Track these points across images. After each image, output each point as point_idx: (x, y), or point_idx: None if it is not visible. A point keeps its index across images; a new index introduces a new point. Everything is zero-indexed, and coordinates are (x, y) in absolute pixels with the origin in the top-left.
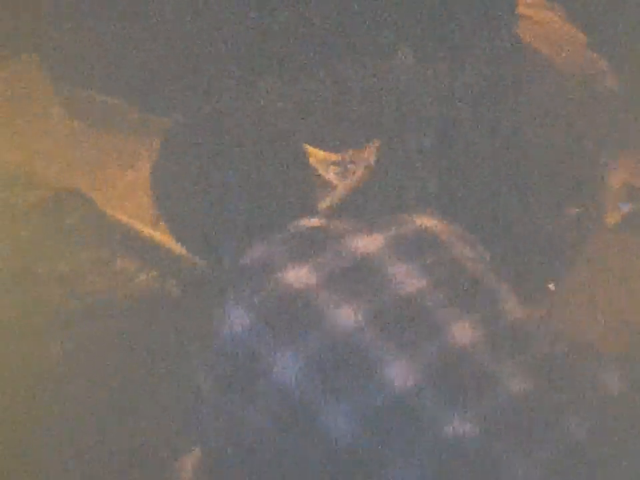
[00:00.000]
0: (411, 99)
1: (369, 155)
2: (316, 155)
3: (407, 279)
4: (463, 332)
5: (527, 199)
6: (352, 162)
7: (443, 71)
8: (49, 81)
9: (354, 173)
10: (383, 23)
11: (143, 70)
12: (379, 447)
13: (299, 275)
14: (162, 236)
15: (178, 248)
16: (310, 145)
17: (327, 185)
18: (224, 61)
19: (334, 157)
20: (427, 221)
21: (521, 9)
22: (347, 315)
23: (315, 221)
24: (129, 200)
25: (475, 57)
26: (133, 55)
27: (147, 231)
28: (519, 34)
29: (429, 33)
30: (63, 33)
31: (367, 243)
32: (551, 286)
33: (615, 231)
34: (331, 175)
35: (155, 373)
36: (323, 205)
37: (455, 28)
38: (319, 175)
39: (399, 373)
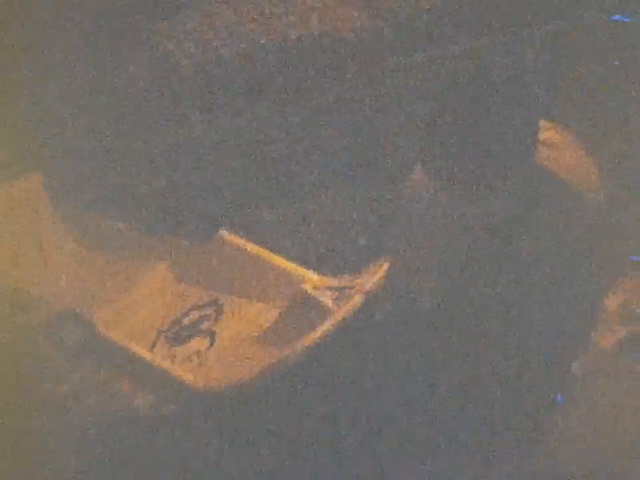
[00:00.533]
0: (422, 224)
1: (368, 280)
2: (311, 279)
3: None
4: None
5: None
6: (349, 287)
7: (458, 197)
8: (49, 201)
9: (351, 298)
10: (398, 143)
11: (143, 192)
12: None
13: None
14: (159, 359)
15: (175, 371)
16: (307, 268)
17: (323, 310)
18: (222, 187)
19: (330, 281)
20: None
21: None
22: None
23: None
24: (128, 322)
25: (493, 183)
26: (133, 178)
27: (145, 353)
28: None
29: (445, 155)
30: (65, 152)
31: None
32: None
33: (610, 354)
34: (327, 299)
35: None
36: (319, 331)
37: (473, 154)
38: (315, 300)
39: None
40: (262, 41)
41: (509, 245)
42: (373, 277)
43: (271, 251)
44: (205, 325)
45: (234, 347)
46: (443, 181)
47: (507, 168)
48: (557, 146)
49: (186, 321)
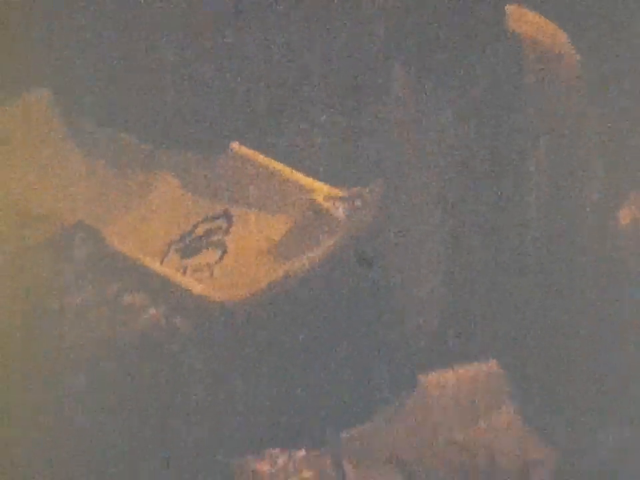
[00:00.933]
0: (413, 130)
1: (376, 192)
2: (322, 190)
3: None
4: None
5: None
6: (359, 198)
7: (440, 95)
8: (60, 117)
9: (362, 209)
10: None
11: (154, 104)
12: None
13: None
14: (170, 271)
15: (186, 282)
16: (318, 180)
17: (334, 221)
18: (234, 101)
19: (340, 192)
20: None
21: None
22: None
23: None
24: (139, 235)
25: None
26: (145, 90)
27: (155, 265)
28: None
29: (422, 47)
30: (75, 68)
31: None
32: None
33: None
34: (338, 211)
35: (163, 406)
36: (330, 242)
37: (447, 39)
38: (326, 211)
39: None
40: None
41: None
42: (382, 190)
43: (282, 163)
44: (215, 237)
45: (244, 258)
46: (424, 77)
47: (483, 44)
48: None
49: (197, 233)
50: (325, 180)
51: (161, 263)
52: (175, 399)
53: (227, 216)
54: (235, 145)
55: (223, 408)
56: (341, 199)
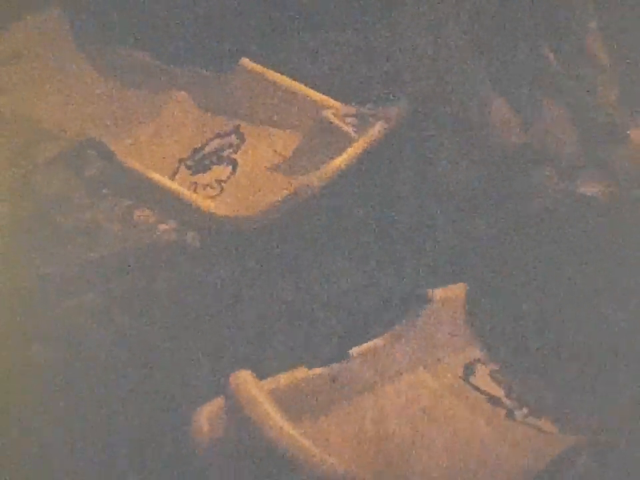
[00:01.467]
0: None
1: (390, 110)
2: (334, 106)
3: None
4: None
5: None
6: (371, 115)
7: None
8: (71, 35)
9: (373, 126)
10: None
11: (166, 23)
12: None
13: None
14: (181, 187)
15: (197, 198)
16: (329, 96)
17: (345, 137)
18: (244, 15)
19: (352, 109)
20: None
21: None
22: None
23: None
24: (150, 152)
25: None
26: (156, 9)
27: (166, 181)
28: None
29: None
30: None
31: None
32: None
33: None
34: (348, 127)
35: (176, 324)
36: (341, 158)
37: None
38: (337, 127)
39: None
40: None
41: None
42: (394, 108)
43: (294, 79)
44: (226, 153)
45: (255, 174)
46: None
47: None
48: None
49: (207, 149)
50: (336, 97)
51: (172, 179)
52: (186, 313)
53: (238, 132)
54: (245, 62)
55: (232, 320)
56: (353, 115)
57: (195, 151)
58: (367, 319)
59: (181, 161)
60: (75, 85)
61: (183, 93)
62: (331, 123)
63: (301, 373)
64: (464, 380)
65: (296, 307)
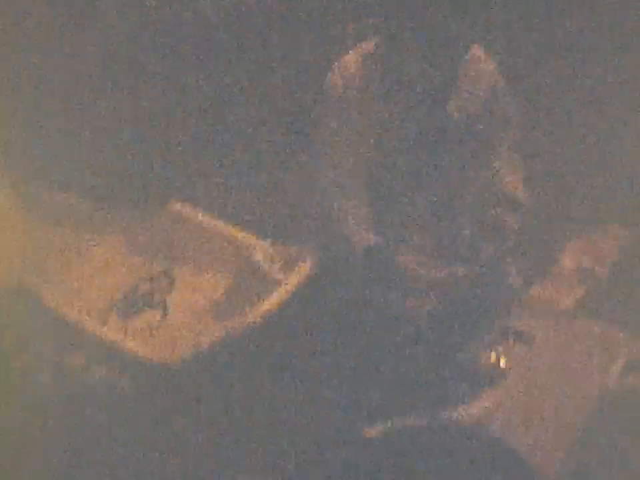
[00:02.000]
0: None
1: (316, 249)
2: (262, 248)
3: None
4: None
5: None
6: (298, 256)
7: None
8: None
9: (299, 267)
10: None
11: (93, 164)
12: None
13: None
14: (112, 332)
15: (128, 343)
16: (259, 237)
17: (272, 280)
18: (174, 157)
19: (280, 250)
20: None
21: None
22: None
23: None
24: (78, 296)
25: None
26: (82, 149)
27: (97, 327)
28: None
29: None
30: (16, 128)
31: None
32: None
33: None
34: (274, 269)
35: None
36: (268, 301)
37: None
38: (263, 270)
39: None
40: None
41: None
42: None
43: (223, 220)
44: (157, 296)
45: (186, 318)
46: None
47: None
48: None
49: (138, 293)
50: (265, 235)
51: (102, 324)
52: (116, 466)
53: (168, 275)
54: (175, 203)
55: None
56: (280, 257)
57: (125, 294)
58: None
59: (111, 305)
60: (1, 229)
61: (111, 235)
62: (258, 265)
63: None
64: None
65: (229, 455)
